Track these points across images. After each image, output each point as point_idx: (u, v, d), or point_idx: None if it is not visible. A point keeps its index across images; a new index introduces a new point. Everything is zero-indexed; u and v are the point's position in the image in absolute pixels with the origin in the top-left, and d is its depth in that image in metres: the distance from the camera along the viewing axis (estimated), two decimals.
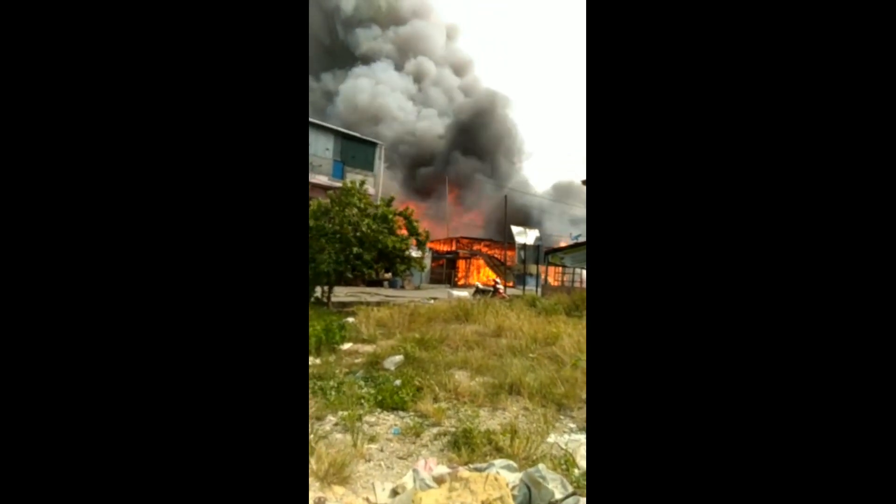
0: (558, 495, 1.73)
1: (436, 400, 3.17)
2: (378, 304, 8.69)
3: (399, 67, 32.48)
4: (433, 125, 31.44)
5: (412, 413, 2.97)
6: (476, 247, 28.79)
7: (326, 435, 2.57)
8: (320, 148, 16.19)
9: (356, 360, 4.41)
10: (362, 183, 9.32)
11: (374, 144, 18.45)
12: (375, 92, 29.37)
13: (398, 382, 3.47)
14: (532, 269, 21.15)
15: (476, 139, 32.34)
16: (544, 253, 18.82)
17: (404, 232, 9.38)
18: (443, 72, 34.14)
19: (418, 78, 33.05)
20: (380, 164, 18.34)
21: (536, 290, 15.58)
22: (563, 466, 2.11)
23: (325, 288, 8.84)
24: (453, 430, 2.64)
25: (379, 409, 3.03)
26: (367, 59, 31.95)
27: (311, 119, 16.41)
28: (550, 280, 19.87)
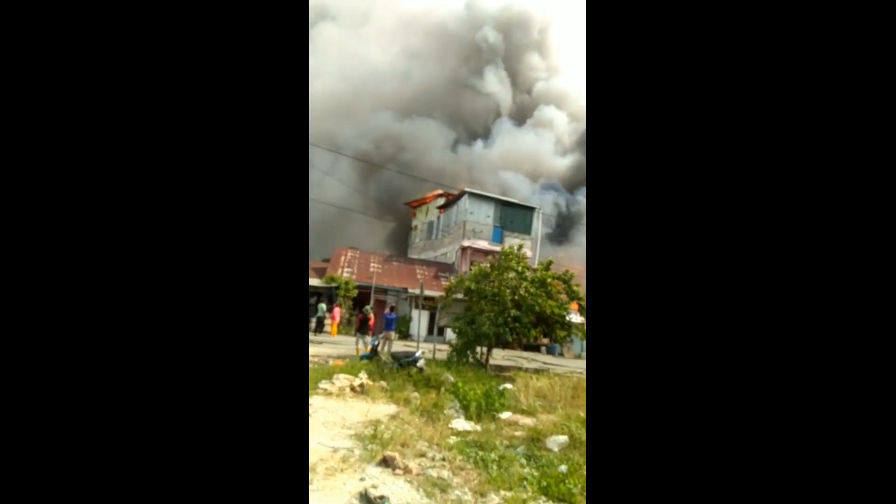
0: None
1: None
2: (536, 371, 8.32)
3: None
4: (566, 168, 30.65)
5: None
6: None
7: None
8: (482, 216, 17.48)
9: (516, 433, 4.21)
10: (520, 247, 9.51)
11: (531, 209, 18.94)
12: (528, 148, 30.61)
13: (563, 468, 3.13)
14: None
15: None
16: None
17: (564, 297, 8.98)
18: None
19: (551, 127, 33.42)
20: (537, 228, 18.55)
21: None
22: None
23: (484, 349, 8.99)
24: None
25: (543, 497, 2.76)
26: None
27: (473, 190, 18.06)
28: None
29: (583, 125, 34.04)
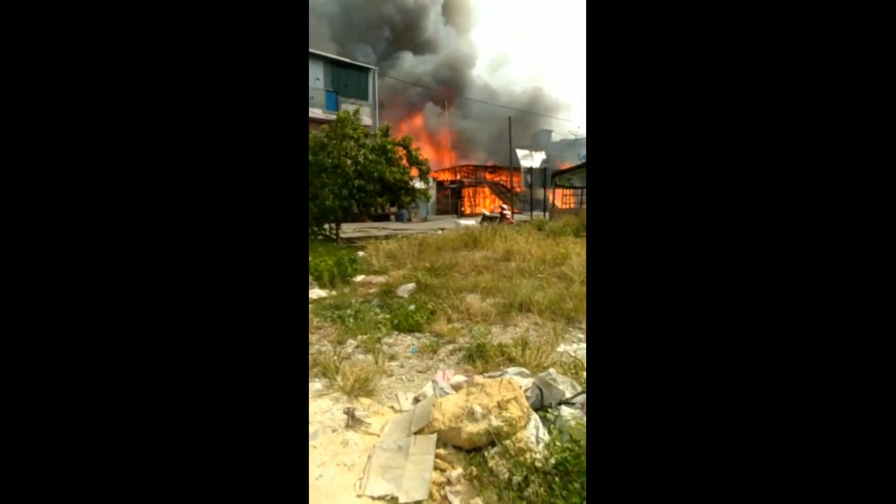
0: (568, 394, 1.86)
1: (449, 321, 3.31)
2: (386, 237, 8.76)
3: None
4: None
5: (428, 333, 3.13)
6: (481, 174, 28.18)
7: (349, 356, 2.73)
8: (311, 78, 15.22)
9: (370, 290, 4.56)
10: (356, 112, 8.88)
11: (366, 70, 17.26)
12: None
13: (412, 307, 3.60)
14: (539, 193, 20.83)
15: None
16: (551, 175, 18.37)
17: (405, 163, 9.13)
18: None
19: None
20: (374, 92, 17.32)
21: (544, 214, 15.49)
22: (573, 371, 2.24)
23: (333, 224, 8.88)
24: (467, 345, 2.78)
25: (396, 332, 3.19)
26: None
27: None
28: (558, 203, 19.65)
29: None
